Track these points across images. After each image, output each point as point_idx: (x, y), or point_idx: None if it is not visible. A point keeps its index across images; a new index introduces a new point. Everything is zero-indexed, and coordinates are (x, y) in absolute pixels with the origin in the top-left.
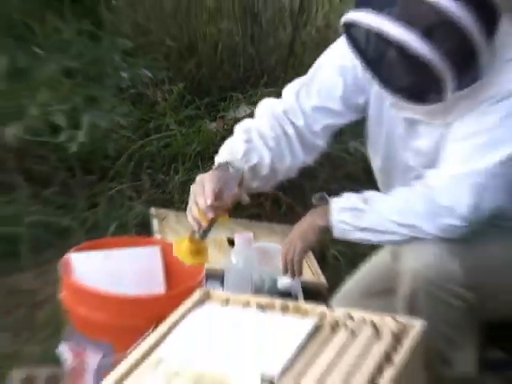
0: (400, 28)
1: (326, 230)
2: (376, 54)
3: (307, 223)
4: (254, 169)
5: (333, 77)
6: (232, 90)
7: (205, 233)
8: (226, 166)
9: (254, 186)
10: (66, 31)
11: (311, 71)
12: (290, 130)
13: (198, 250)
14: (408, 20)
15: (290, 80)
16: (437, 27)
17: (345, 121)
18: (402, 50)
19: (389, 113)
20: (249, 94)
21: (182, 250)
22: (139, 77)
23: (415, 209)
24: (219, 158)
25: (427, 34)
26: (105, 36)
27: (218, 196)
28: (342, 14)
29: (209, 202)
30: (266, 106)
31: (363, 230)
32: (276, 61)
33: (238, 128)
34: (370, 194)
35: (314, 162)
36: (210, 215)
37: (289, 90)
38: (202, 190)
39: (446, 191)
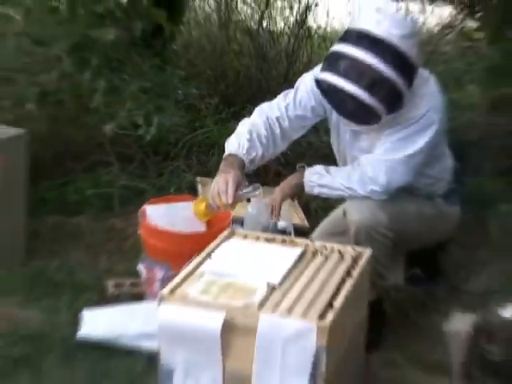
0: (350, 84)
1: (299, 187)
2: (335, 97)
3: (286, 182)
4: (252, 160)
5: (307, 95)
6: (248, 102)
7: (218, 210)
8: (234, 156)
9: (250, 169)
10: (144, 64)
11: (294, 89)
12: (277, 131)
13: (209, 214)
14: (355, 78)
15: None
16: (375, 82)
17: (313, 122)
18: (351, 97)
19: (340, 126)
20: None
21: (198, 210)
22: (190, 93)
23: (352, 178)
24: (230, 148)
25: (369, 87)
26: (168, 68)
27: (235, 196)
28: (319, 56)
29: (230, 201)
30: (265, 110)
31: (322, 186)
32: (276, 84)
33: (244, 124)
34: (331, 167)
35: (302, 147)
36: (228, 208)
37: (281, 101)
38: (226, 188)
39: (371, 168)
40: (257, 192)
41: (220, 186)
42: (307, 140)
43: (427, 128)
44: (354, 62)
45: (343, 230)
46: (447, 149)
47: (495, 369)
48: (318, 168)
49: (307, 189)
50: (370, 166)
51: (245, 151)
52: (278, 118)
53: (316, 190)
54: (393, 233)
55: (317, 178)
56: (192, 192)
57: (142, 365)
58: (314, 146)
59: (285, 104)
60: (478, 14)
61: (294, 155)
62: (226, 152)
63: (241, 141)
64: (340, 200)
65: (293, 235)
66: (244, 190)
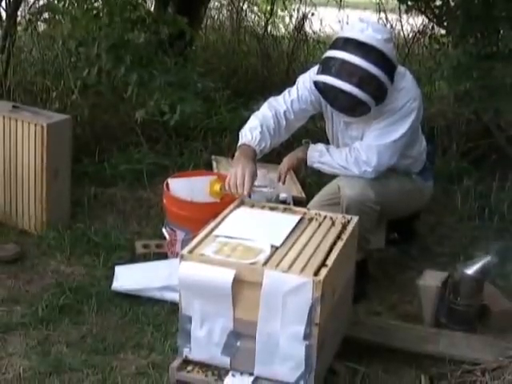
0: (343, 82)
1: (302, 160)
2: (330, 94)
3: (293, 154)
4: (261, 150)
5: (307, 92)
6: (255, 94)
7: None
8: (248, 146)
9: (258, 158)
10: (169, 62)
11: (296, 86)
12: (283, 122)
13: (222, 194)
14: (347, 77)
15: (285, 89)
16: (363, 79)
17: (312, 114)
18: (345, 93)
19: (334, 117)
20: (264, 97)
21: (213, 190)
22: (207, 86)
23: (349, 160)
24: (244, 139)
25: (359, 83)
26: (189, 65)
27: (251, 189)
28: (314, 57)
29: (246, 194)
30: (273, 105)
31: (322, 163)
32: (278, 79)
33: (256, 117)
34: (330, 146)
35: (300, 132)
36: (244, 198)
37: (286, 97)
38: (243, 180)
39: (364, 153)
40: (271, 189)
41: (238, 177)
42: (304, 126)
43: (408, 116)
44: (345, 64)
45: (336, 201)
46: (422, 133)
47: (459, 316)
48: (320, 146)
49: (309, 163)
50: (363, 150)
51: (257, 142)
52: (284, 112)
53: (316, 165)
54: (378, 206)
55: (318, 155)
56: (208, 168)
57: (166, 312)
58: (310, 132)
59: (290, 99)
60: (445, 23)
61: (293, 139)
62: (241, 141)
63: (253, 133)
64: (332, 176)
65: (292, 205)
66: (260, 187)
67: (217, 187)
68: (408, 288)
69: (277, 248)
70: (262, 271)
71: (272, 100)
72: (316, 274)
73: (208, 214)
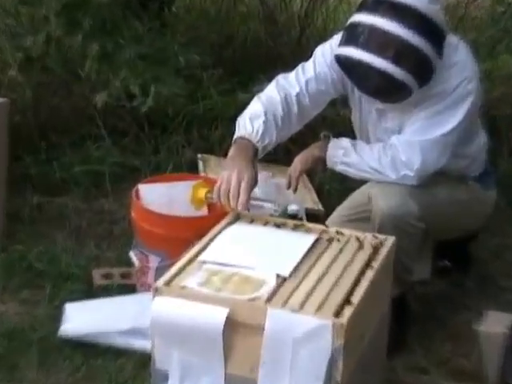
0: (375, 57)
1: (320, 160)
2: (357, 73)
3: (308, 152)
4: (264, 147)
5: (327, 69)
6: (256, 71)
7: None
8: (247, 142)
9: (260, 157)
10: (141, 28)
11: (313, 61)
12: (295, 109)
13: (207, 204)
14: (380, 50)
15: (298, 64)
16: (402, 53)
17: (332, 98)
18: (377, 71)
19: (364, 104)
20: (269, 75)
21: (196, 197)
22: (191, 61)
23: (383, 161)
24: (242, 130)
25: (396, 58)
26: (167, 32)
27: (248, 204)
28: (335, 21)
29: (240, 209)
30: (283, 86)
31: (346, 164)
32: (288, 51)
33: (260, 101)
34: (358, 142)
35: (315, 122)
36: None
37: (300, 75)
38: (238, 189)
39: (403, 151)
40: (276, 205)
41: (232, 186)
42: (323, 114)
43: (462, 100)
44: (377, 31)
45: (364, 216)
46: (481, 125)
47: None
48: (345, 142)
49: (329, 164)
50: (403, 148)
51: (259, 137)
52: (297, 95)
53: (339, 168)
54: (423, 222)
55: (342, 154)
56: (192, 170)
57: (133, 366)
58: (330, 122)
59: (304, 78)
60: None
61: (306, 130)
62: (237, 134)
63: (255, 123)
64: (359, 182)
65: (305, 220)
66: (260, 200)
67: (201, 193)
68: (463, 335)
69: (285, 279)
70: (264, 310)
71: (281, 79)
72: (337, 314)
73: (192, 231)
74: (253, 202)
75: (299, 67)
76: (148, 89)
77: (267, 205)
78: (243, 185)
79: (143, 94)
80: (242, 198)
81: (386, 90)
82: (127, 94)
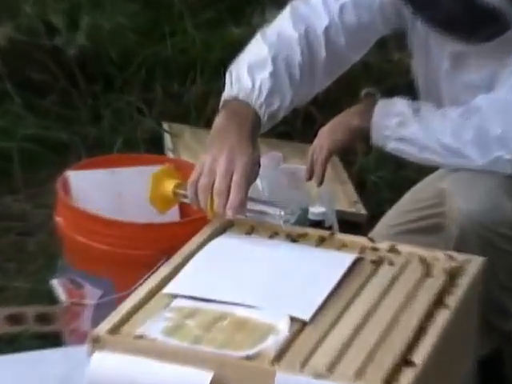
0: None
1: (360, 133)
2: None
3: (340, 121)
4: (272, 114)
5: None
6: None
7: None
8: (245, 106)
9: (265, 130)
10: None
11: None
12: (323, 53)
13: (174, 203)
14: None
15: None
16: None
17: (380, 35)
18: None
19: (432, 46)
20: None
21: (160, 191)
22: None
23: (464, 134)
24: (237, 86)
25: None
26: None
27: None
28: None
29: (230, 215)
30: (303, 15)
31: (403, 140)
32: None
33: (265, 38)
34: (422, 105)
35: (352, 73)
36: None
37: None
38: (228, 183)
39: (495, 120)
40: (281, 213)
41: (219, 178)
42: (364, 60)
43: None
44: None
45: (431, 224)
46: None
47: None
48: (400, 106)
49: (376, 138)
50: (495, 115)
51: (263, 98)
52: (327, 30)
53: (391, 145)
54: None
55: (396, 125)
56: (154, 149)
57: None
58: (374, 71)
59: (338, 3)
60: None
61: (338, 86)
62: (229, 92)
63: (258, 76)
64: (424, 169)
65: (337, 229)
66: (263, 202)
67: (167, 187)
68: None
69: (304, 324)
70: (271, 374)
71: (299, 3)
72: (390, 380)
73: (153, 247)
74: (253, 206)
75: None
76: (78, 18)
77: (275, 210)
78: (236, 176)
79: (71, 27)
80: (234, 197)
81: (469, 22)
82: (47, 27)
